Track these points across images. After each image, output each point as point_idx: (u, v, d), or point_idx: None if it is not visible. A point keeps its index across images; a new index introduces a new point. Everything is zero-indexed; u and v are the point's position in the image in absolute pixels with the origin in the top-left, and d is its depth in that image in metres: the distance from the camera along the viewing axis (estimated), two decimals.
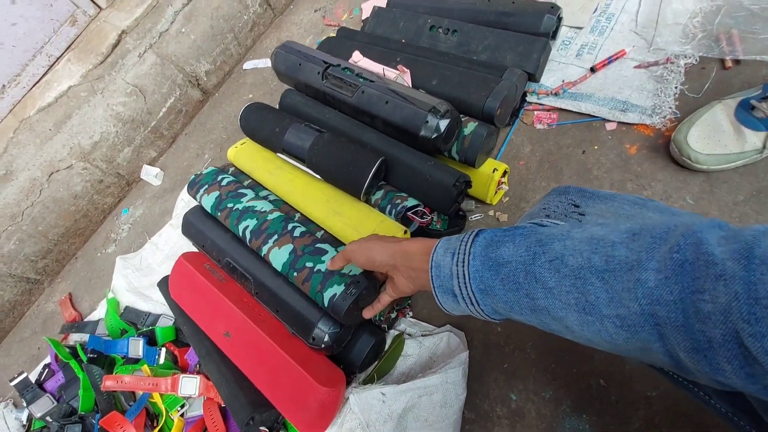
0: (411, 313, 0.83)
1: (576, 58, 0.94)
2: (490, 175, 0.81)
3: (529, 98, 0.94)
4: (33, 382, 1.00)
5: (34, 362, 1.08)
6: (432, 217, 0.78)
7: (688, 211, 0.44)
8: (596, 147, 0.85)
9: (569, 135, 0.89)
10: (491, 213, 0.87)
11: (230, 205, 0.82)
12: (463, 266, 0.38)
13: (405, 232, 0.72)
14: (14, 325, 1.20)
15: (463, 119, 0.77)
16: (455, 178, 0.70)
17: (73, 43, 1.24)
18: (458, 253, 0.39)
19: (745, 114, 0.70)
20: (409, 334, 0.80)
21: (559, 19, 0.92)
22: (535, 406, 0.69)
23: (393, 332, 0.81)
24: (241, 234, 0.79)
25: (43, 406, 0.95)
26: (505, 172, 0.84)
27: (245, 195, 0.83)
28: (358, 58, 0.90)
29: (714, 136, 0.72)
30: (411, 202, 0.76)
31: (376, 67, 0.87)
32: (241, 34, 1.38)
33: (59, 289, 1.22)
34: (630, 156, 0.82)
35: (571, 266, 0.31)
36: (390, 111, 0.74)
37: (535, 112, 0.93)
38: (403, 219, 0.76)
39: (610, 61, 0.90)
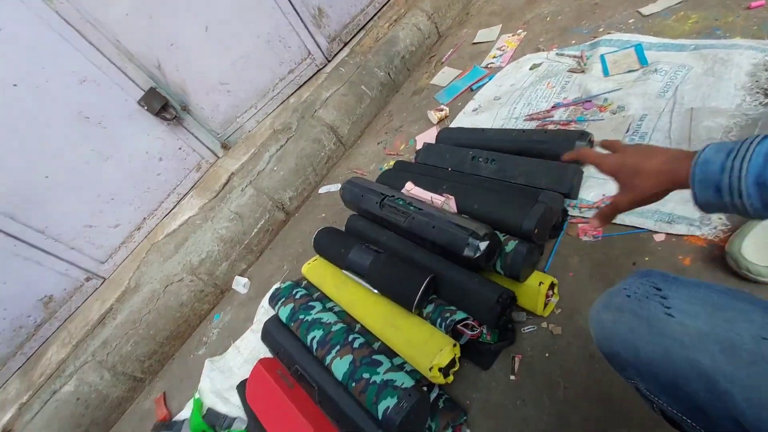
0: (468, 431, 0.82)
1: None
2: (536, 288, 0.84)
3: (571, 212, 1.00)
4: None
5: None
6: (482, 330, 0.82)
7: None
8: (647, 258, 0.86)
9: (617, 246, 0.91)
10: (544, 325, 0.88)
11: (301, 316, 0.95)
12: (741, 161, 0.40)
13: (454, 345, 0.77)
14: (117, 420, 1.37)
15: (504, 238, 0.86)
16: (498, 294, 0.76)
17: (196, 183, 1.62)
18: (737, 151, 0.41)
19: None
20: None
21: (591, 142, 1.02)
22: None
23: None
24: (308, 343, 0.89)
25: None
26: (552, 285, 0.87)
27: (314, 307, 0.96)
28: (410, 187, 1.07)
29: None
30: (460, 315, 0.81)
31: (425, 195, 1.02)
32: (319, 166, 1.69)
33: (156, 387, 1.39)
34: (685, 267, 0.81)
35: None
36: (436, 234, 0.86)
37: (579, 225, 0.98)
38: (453, 331, 0.81)
39: None
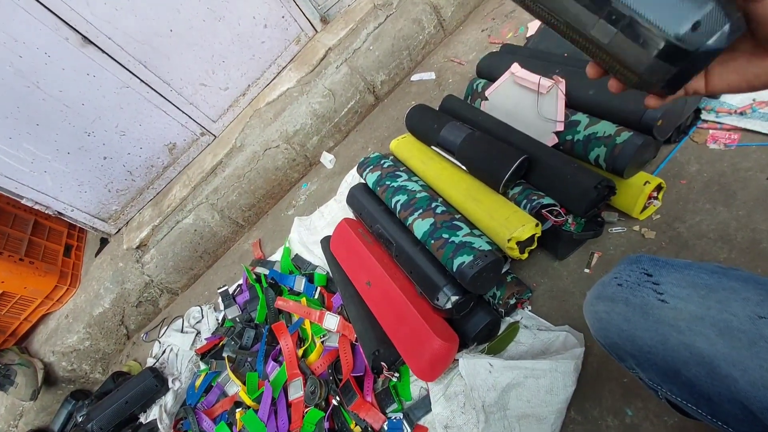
0: (530, 307, 0.87)
1: None
2: (640, 188, 0.79)
3: (705, 116, 0.87)
4: (230, 294, 1.39)
5: (231, 281, 1.48)
6: (567, 218, 0.81)
7: None
8: None
9: (751, 158, 0.79)
10: (636, 228, 0.84)
11: (388, 182, 1.00)
12: None
13: (537, 225, 0.77)
14: (223, 253, 1.67)
15: (618, 128, 0.79)
16: (597, 181, 0.73)
17: (295, 57, 1.66)
18: None
19: None
20: (525, 326, 0.84)
21: None
22: (653, 428, 0.65)
23: (508, 320, 0.86)
24: (392, 206, 0.96)
25: (233, 311, 1.31)
26: (659, 188, 0.81)
27: (401, 176, 1.01)
28: (515, 69, 0.99)
29: None
30: (547, 200, 0.80)
31: (533, 77, 0.94)
32: (414, 51, 1.61)
33: (253, 235, 1.64)
34: None
35: None
36: None
37: (711, 131, 0.85)
38: (537, 215, 0.81)
39: None
